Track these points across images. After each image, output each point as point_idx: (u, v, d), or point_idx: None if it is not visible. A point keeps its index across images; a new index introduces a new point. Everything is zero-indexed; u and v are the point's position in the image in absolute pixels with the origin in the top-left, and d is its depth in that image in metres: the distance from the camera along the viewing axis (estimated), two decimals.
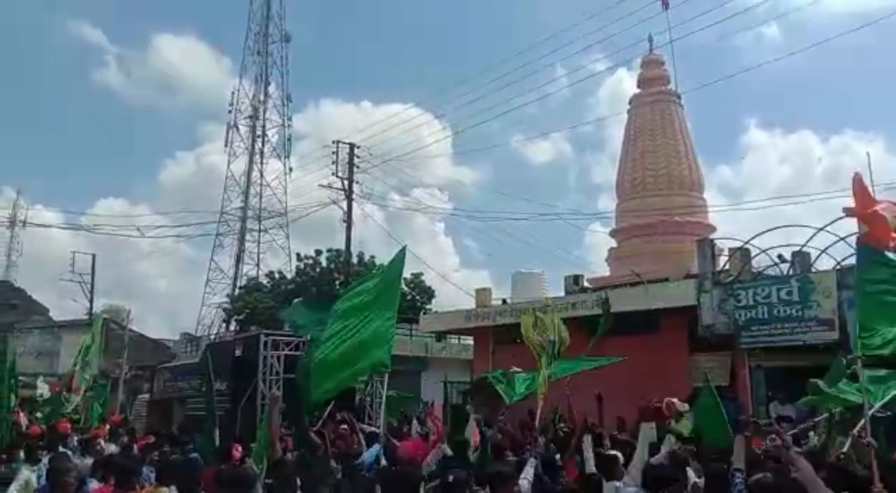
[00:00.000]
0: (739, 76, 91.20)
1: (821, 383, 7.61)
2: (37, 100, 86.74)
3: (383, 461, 7.10)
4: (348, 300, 8.08)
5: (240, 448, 8.14)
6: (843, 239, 15.20)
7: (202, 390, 14.25)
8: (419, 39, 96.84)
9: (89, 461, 7.81)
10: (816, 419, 8.29)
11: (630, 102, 26.83)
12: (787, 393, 12.80)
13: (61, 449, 9.26)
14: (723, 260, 16.66)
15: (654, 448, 7.26)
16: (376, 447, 7.69)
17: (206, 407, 8.54)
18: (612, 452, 6.91)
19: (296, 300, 13.21)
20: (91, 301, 37.59)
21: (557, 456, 8.04)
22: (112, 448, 9.98)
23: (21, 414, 13.28)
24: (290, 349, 14.30)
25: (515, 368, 10.36)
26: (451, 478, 5.30)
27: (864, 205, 5.90)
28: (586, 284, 21.30)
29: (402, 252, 8.31)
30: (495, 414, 8.93)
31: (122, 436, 11.89)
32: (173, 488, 5.72)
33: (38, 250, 70.94)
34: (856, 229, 14.28)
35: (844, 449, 6.15)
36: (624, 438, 8.75)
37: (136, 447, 9.97)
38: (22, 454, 8.46)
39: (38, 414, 15.19)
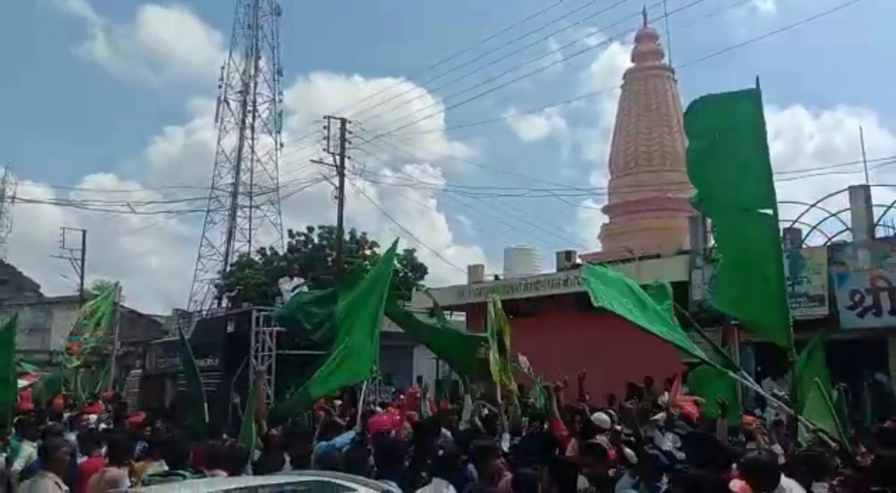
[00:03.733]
0: (732, 50, 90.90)
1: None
2: (24, 74, 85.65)
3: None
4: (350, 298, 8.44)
5: None
6: (834, 215, 15.25)
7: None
8: (410, 14, 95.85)
9: (72, 435, 7.83)
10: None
11: (624, 77, 26.68)
12: (777, 369, 12.89)
13: (49, 423, 9.30)
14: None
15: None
16: (351, 432, 7.74)
17: (190, 385, 8.43)
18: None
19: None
20: (82, 278, 37.37)
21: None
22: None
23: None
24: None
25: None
26: (441, 452, 5.34)
27: None
28: (578, 260, 21.32)
29: (394, 246, 8.65)
30: (494, 390, 8.96)
31: (108, 412, 11.91)
32: (163, 461, 5.73)
33: (27, 226, 70.57)
34: (847, 205, 14.42)
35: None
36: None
37: (126, 422, 9.97)
38: (13, 430, 8.44)
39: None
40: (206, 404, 8.19)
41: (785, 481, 4.38)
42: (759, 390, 7.15)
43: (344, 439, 7.57)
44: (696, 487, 4.29)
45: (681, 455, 6.32)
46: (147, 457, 6.23)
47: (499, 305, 9.15)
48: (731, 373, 6.92)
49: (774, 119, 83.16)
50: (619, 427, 7.92)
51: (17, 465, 7.14)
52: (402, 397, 12.68)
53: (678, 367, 11.11)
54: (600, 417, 7.25)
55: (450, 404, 11.06)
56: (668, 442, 6.88)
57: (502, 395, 8.35)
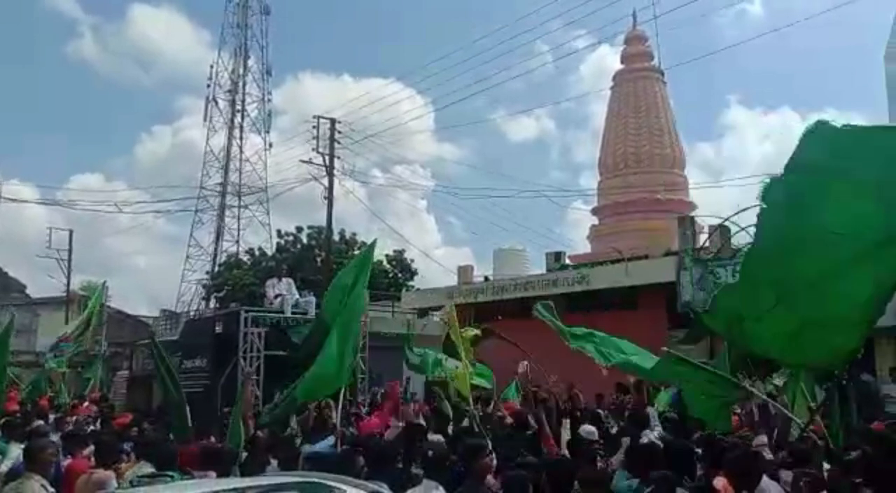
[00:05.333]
0: (722, 53, 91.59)
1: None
2: (11, 73, 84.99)
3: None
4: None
5: None
6: None
7: (181, 367, 14.16)
8: (401, 14, 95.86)
9: (56, 436, 7.79)
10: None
11: (613, 79, 26.77)
12: (766, 370, 12.96)
13: (37, 423, 9.25)
14: (703, 237, 16.76)
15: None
16: (332, 438, 7.73)
17: (169, 389, 8.18)
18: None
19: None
20: (68, 278, 37.12)
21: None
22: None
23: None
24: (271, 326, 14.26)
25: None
26: (430, 453, 5.34)
27: None
28: (567, 261, 21.37)
29: (371, 247, 8.77)
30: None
31: (96, 414, 11.87)
32: (147, 463, 5.71)
33: (13, 225, 70.01)
34: None
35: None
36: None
37: (113, 424, 9.93)
38: (0, 432, 8.38)
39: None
40: (188, 407, 8.06)
41: (766, 482, 4.44)
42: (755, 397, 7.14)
43: (324, 445, 7.56)
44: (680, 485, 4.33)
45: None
46: (134, 458, 6.20)
47: (454, 316, 9.16)
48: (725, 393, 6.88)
49: (763, 121, 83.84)
50: (609, 423, 8.00)
51: (4, 466, 7.09)
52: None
53: None
54: (587, 429, 7.26)
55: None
56: (654, 434, 6.93)
57: (474, 398, 8.45)
